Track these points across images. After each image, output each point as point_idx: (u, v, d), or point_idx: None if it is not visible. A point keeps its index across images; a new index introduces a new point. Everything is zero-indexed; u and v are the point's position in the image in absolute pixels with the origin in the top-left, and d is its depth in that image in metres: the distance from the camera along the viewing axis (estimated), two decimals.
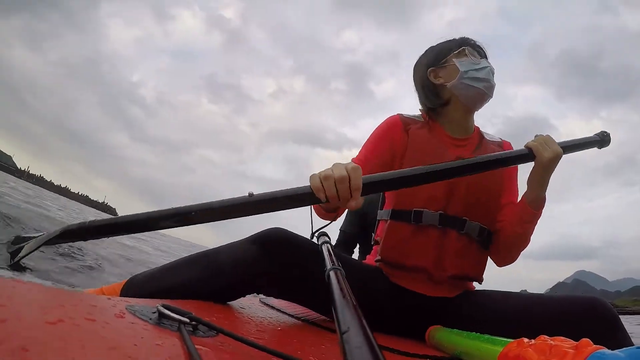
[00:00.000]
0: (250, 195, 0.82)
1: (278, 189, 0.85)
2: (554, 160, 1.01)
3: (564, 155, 1.04)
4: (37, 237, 0.98)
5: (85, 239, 0.87)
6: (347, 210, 1.16)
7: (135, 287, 0.96)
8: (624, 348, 0.47)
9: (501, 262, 1.17)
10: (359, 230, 2.15)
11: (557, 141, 1.05)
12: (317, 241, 0.88)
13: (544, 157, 1.00)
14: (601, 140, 1.15)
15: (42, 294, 0.42)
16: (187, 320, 0.51)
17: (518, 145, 1.08)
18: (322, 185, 0.80)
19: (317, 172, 0.83)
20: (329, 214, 0.98)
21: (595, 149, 1.18)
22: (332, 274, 0.52)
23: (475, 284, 1.19)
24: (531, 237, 1.10)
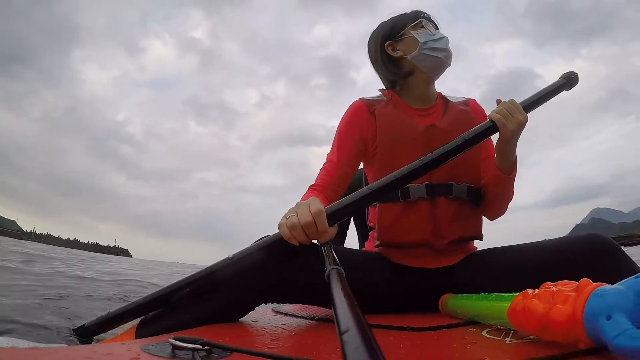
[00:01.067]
0: (230, 258, 0.90)
1: (253, 243, 0.93)
2: (518, 131, 1.01)
3: (541, 107, 1.05)
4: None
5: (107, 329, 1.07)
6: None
7: (148, 328, 0.95)
8: (625, 280, 0.48)
9: (491, 216, 1.19)
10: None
11: (524, 98, 1.06)
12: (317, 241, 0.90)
13: (507, 129, 0.99)
14: (568, 80, 1.14)
15: (52, 356, 0.42)
16: (200, 346, 0.51)
17: (493, 102, 1.08)
18: (292, 234, 0.84)
19: (284, 217, 0.87)
20: None
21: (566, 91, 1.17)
22: (332, 274, 0.53)
23: (476, 242, 1.21)
24: (514, 190, 1.12)
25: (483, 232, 1.18)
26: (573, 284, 0.53)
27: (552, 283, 0.58)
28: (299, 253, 0.94)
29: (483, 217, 1.19)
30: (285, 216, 0.87)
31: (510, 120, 0.99)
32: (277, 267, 0.91)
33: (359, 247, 2.06)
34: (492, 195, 1.13)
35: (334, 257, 0.68)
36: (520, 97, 1.17)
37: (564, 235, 1.15)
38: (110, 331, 1.11)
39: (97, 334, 1.08)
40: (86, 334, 1.13)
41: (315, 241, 0.92)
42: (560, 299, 0.51)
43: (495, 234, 1.17)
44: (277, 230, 0.88)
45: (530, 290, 0.59)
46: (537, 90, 1.12)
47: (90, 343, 1.18)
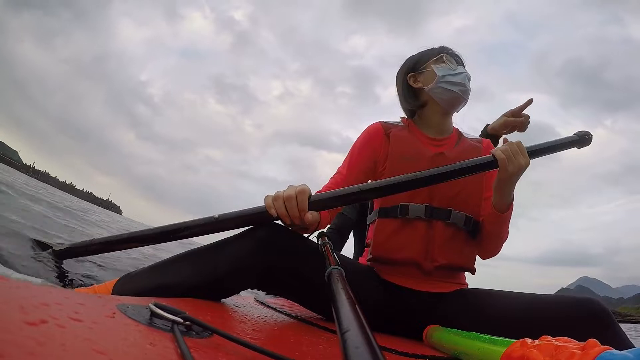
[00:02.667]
0: (215, 217, 0.94)
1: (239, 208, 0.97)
2: (517, 174, 1.02)
3: (549, 155, 1.09)
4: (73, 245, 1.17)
5: (89, 254, 1.20)
6: None
7: (128, 285, 0.94)
8: (633, 349, 0.46)
9: (485, 254, 1.21)
10: (357, 217, 2.10)
11: (532, 144, 1.07)
12: (318, 241, 0.90)
13: (507, 170, 1.01)
14: (581, 138, 1.14)
15: (23, 291, 0.39)
16: (181, 320, 0.49)
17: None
18: (273, 204, 0.91)
19: (271, 192, 0.94)
20: (305, 232, 1.01)
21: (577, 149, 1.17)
22: (333, 274, 0.52)
23: (468, 280, 1.21)
24: (508, 231, 1.14)
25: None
26: (575, 342, 0.52)
27: (552, 337, 0.55)
28: (294, 241, 0.95)
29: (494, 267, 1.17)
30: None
31: (512, 162, 1.01)
32: (269, 254, 0.90)
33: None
34: (487, 232, 1.14)
35: (334, 257, 0.69)
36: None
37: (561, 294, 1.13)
38: (89, 282, 1.11)
39: (77, 257, 1.17)
40: (64, 256, 1.22)
41: (315, 240, 0.91)
42: (564, 354, 0.48)
43: (479, 276, 1.16)
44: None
45: (529, 340, 0.57)
46: (548, 140, 1.12)
47: (62, 266, 1.25)
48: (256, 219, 0.93)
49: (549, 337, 0.55)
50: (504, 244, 1.19)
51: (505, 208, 1.08)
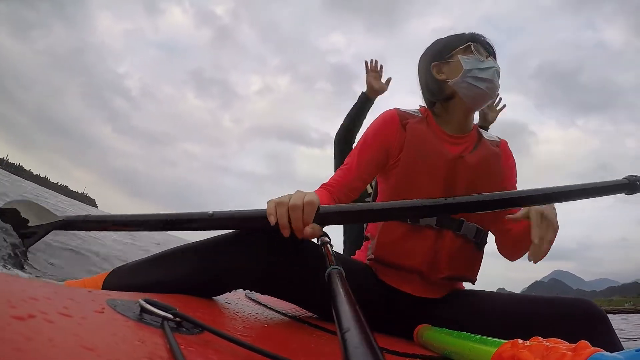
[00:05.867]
0: (210, 214, 0.89)
1: (237, 209, 0.92)
2: (549, 240, 0.93)
3: (529, 162, 1.10)
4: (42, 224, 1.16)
5: (82, 230, 1.12)
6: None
7: (119, 280, 0.93)
8: (624, 351, 0.46)
9: (512, 257, 1.17)
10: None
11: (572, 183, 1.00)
12: (317, 241, 0.87)
13: (540, 251, 0.92)
14: (632, 183, 0.98)
15: (10, 284, 0.39)
16: (171, 316, 0.48)
17: (512, 143, 1.07)
18: (275, 211, 0.81)
19: (273, 198, 0.85)
20: None
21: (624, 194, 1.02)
22: (332, 274, 0.52)
23: (464, 283, 1.19)
24: None
25: None
26: (566, 343, 0.52)
27: (542, 338, 0.55)
28: (296, 249, 0.92)
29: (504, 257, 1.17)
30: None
31: (543, 228, 0.92)
32: (263, 253, 0.89)
33: (343, 253, 2.03)
34: (520, 243, 1.06)
35: (334, 257, 0.68)
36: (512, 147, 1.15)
37: (527, 290, 1.13)
38: (77, 275, 1.09)
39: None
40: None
41: (315, 240, 0.89)
42: (555, 355, 0.49)
43: None
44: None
45: (520, 340, 0.57)
46: (586, 182, 1.01)
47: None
48: (252, 223, 0.88)
49: (540, 338, 0.56)
50: None
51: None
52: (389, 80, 2.04)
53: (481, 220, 1.09)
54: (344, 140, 2.05)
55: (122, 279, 0.93)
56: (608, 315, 0.94)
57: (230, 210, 0.89)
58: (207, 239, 0.93)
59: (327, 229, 0.91)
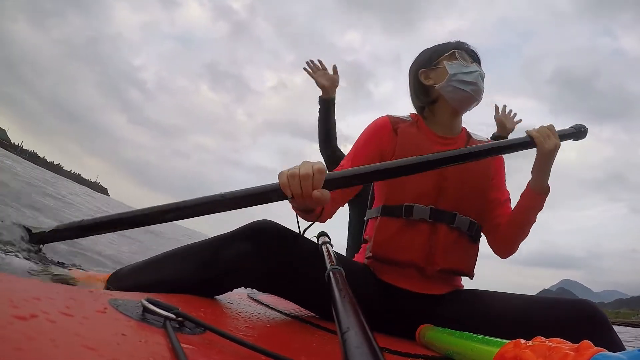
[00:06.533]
0: (222, 195, 0.88)
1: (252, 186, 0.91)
2: (554, 151, 1.06)
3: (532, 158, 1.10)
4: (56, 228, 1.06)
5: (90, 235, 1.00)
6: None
7: (121, 280, 0.94)
8: (626, 351, 0.46)
9: (504, 253, 1.21)
10: (354, 210, 2.10)
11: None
12: (318, 241, 0.88)
13: (544, 147, 1.05)
14: (577, 131, 1.20)
15: (13, 284, 0.39)
16: (173, 316, 0.48)
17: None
18: (288, 183, 0.84)
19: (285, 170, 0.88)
20: (307, 215, 0.97)
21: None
22: (332, 274, 0.52)
23: (464, 282, 1.20)
24: (528, 234, 1.15)
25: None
26: (568, 343, 0.51)
27: (545, 338, 0.55)
28: (290, 240, 0.93)
29: (480, 264, 1.18)
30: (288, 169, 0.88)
31: (548, 141, 1.05)
32: (265, 252, 0.89)
33: (346, 255, 2.03)
34: (514, 225, 1.14)
35: (333, 257, 0.68)
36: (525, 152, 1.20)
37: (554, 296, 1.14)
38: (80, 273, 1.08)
39: (59, 240, 1.06)
40: (44, 240, 1.08)
41: (316, 241, 0.89)
42: (558, 355, 0.48)
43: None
44: (249, 222, 0.91)
45: (523, 340, 0.57)
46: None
47: (40, 251, 1.11)
48: (268, 197, 0.88)
49: (542, 338, 0.55)
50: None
51: (543, 189, 1.09)
52: (334, 68, 1.97)
53: (473, 214, 1.13)
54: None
55: (125, 279, 0.93)
56: (617, 326, 0.94)
57: (240, 189, 0.89)
58: (208, 238, 0.94)
59: (330, 229, 0.92)
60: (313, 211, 0.94)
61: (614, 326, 0.94)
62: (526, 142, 1.07)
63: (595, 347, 0.47)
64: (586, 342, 0.49)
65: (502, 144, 1.08)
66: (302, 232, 0.98)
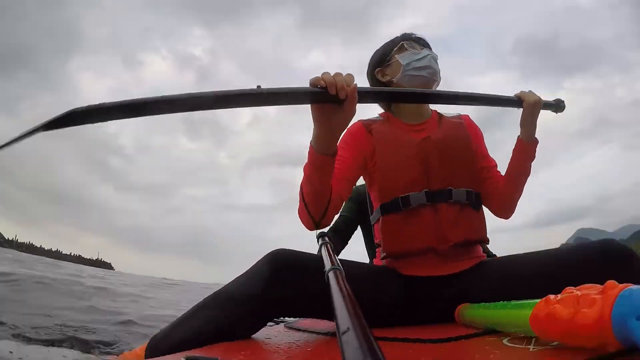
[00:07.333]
0: (258, 87, 0.83)
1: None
2: (538, 104, 1.12)
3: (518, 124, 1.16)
4: None
5: (94, 122, 0.76)
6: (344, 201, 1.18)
7: (157, 345, 0.94)
8: None
9: (506, 212, 1.25)
10: (357, 216, 2.10)
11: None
12: (318, 241, 0.88)
13: (530, 99, 1.11)
14: (557, 105, 1.24)
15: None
16: None
17: (481, 122, 1.22)
18: (321, 77, 0.83)
19: None
20: (315, 212, 1.00)
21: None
22: (331, 274, 0.52)
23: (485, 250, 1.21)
24: (524, 188, 1.20)
25: None
26: (597, 287, 0.52)
27: (574, 287, 0.56)
28: (309, 265, 0.92)
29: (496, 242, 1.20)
30: None
31: (532, 95, 1.13)
32: (287, 282, 0.90)
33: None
34: (509, 182, 1.19)
35: (333, 257, 0.68)
36: (503, 125, 1.21)
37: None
38: (117, 352, 1.07)
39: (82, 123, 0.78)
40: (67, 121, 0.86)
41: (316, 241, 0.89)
42: (586, 303, 0.49)
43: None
44: (264, 255, 0.93)
45: (552, 296, 0.58)
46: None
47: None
48: (301, 97, 0.86)
49: (571, 288, 0.56)
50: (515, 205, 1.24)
51: (532, 140, 1.15)
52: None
53: (467, 184, 1.16)
54: None
55: (161, 344, 0.94)
56: None
57: (278, 87, 0.86)
58: (230, 281, 0.95)
59: (352, 255, 0.91)
60: (323, 203, 1.01)
61: None
62: (513, 100, 1.14)
63: (620, 285, 0.48)
64: (611, 282, 0.49)
65: (493, 96, 1.14)
66: (317, 240, 1.00)
